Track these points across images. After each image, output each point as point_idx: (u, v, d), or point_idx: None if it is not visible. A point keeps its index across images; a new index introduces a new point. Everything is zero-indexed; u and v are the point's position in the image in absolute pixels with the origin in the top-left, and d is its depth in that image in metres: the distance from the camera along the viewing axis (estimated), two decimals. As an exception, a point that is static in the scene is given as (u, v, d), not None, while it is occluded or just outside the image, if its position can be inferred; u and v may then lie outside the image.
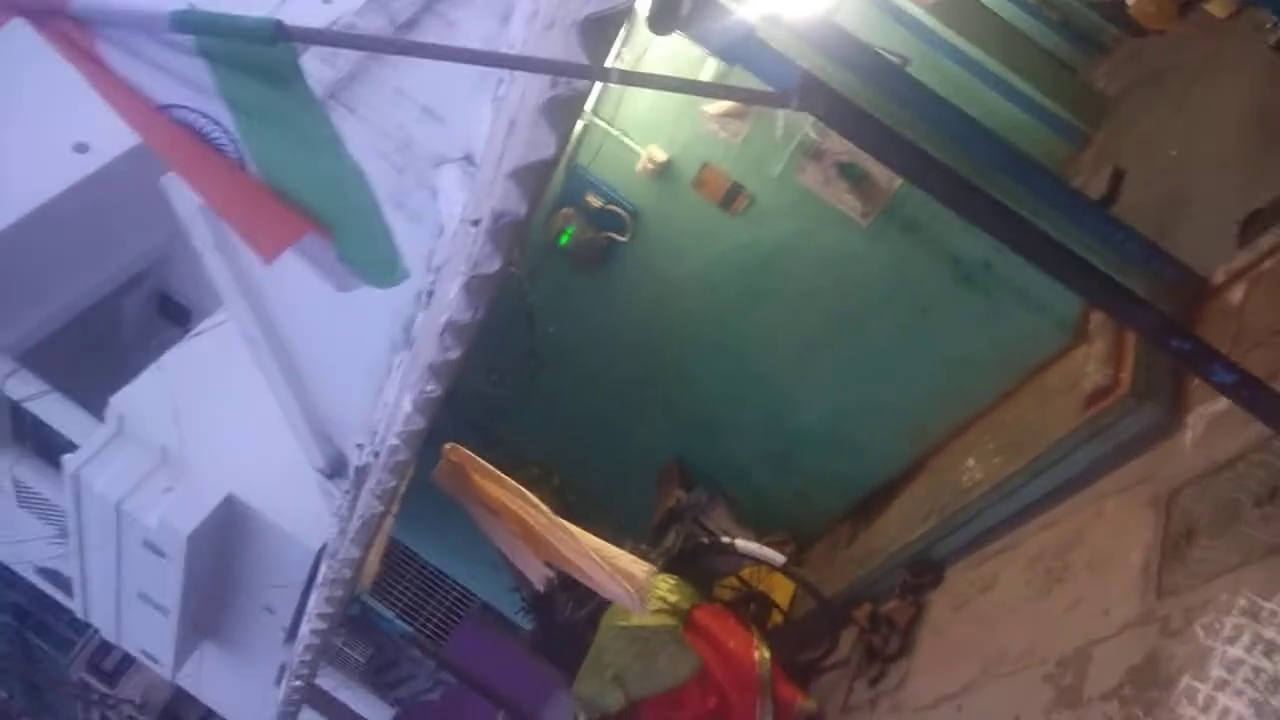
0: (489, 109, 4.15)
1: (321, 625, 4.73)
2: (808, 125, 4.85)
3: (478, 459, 4.62)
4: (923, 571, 4.87)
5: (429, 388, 2.87)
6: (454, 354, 2.76)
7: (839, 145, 4.86)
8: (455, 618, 9.40)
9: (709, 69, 4.71)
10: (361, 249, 2.15)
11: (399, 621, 9.03)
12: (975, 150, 4.32)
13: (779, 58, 3.58)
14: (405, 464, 3.38)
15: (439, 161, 5.30)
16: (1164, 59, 6.26)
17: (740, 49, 3.50)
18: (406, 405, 3.02)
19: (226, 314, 7.02)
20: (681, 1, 3.11)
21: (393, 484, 3.48)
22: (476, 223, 2.71)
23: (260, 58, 1.94)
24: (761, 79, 3.48)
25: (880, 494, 5.71)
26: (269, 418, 5.59)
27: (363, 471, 3.87)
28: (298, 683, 5.37)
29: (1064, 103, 6.15)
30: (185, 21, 1.94)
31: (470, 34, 4.77)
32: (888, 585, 5.07)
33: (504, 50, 3.19)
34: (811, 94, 2.49)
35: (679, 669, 4.72)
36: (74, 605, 10.38)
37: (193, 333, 8.87)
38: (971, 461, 4.89)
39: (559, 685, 5.35)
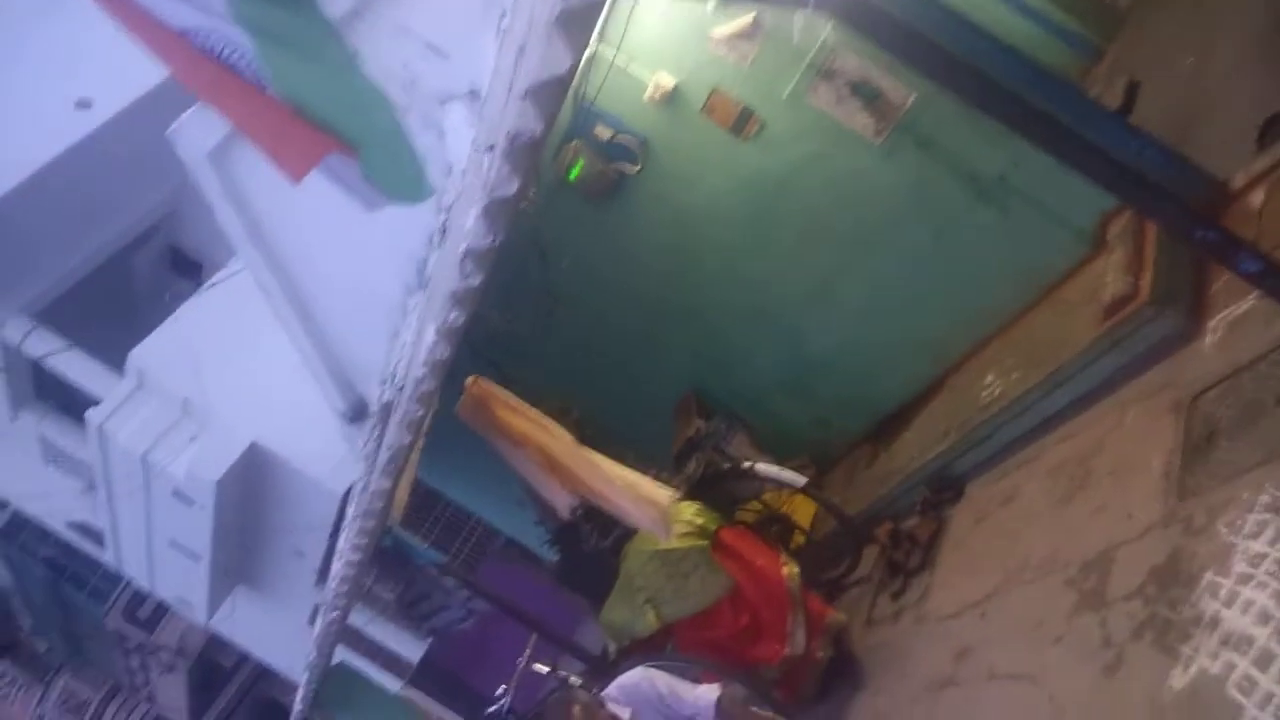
0: (494, 42, 4.10)
1: (355, 557, 4.81)
2: (819, 42, 4.78)
3: (499, 391, 4.67)
4: (943, 488, 4.93)
5: (452, 315, 2.88)
6: (475, 280, 2.76)
7: (851, 64, 4.80)
8: (480, 555, 9.57)
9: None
10: (387, 166, 2.16)
11: (431, 550, 9.20)
12: (990, 63, 4.26)
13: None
14: (431, 394, 3.41)
15: (445, 99, 5.24)
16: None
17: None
18: (430, 334, 3.04)
19: (240, 264, 7.04)
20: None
21: (420, 413, 3.51)
22: (491, 148, 2.70)
23: None
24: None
25: (899, 415, 5.74)
26: (288, 365, 5.63)
27: (388, 406, 3.91)
28: (334, 614, 5.48)
29: (1076, 15, 6.03)
30: None
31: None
32: (908, 503, 5.13)
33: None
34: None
35: (711, 589, 4.79)
36: (106, 557, 10.61)
37: (207, 284, 8.92)
38: (990, 378, 4.90)
39: (586, 614, 5.44)
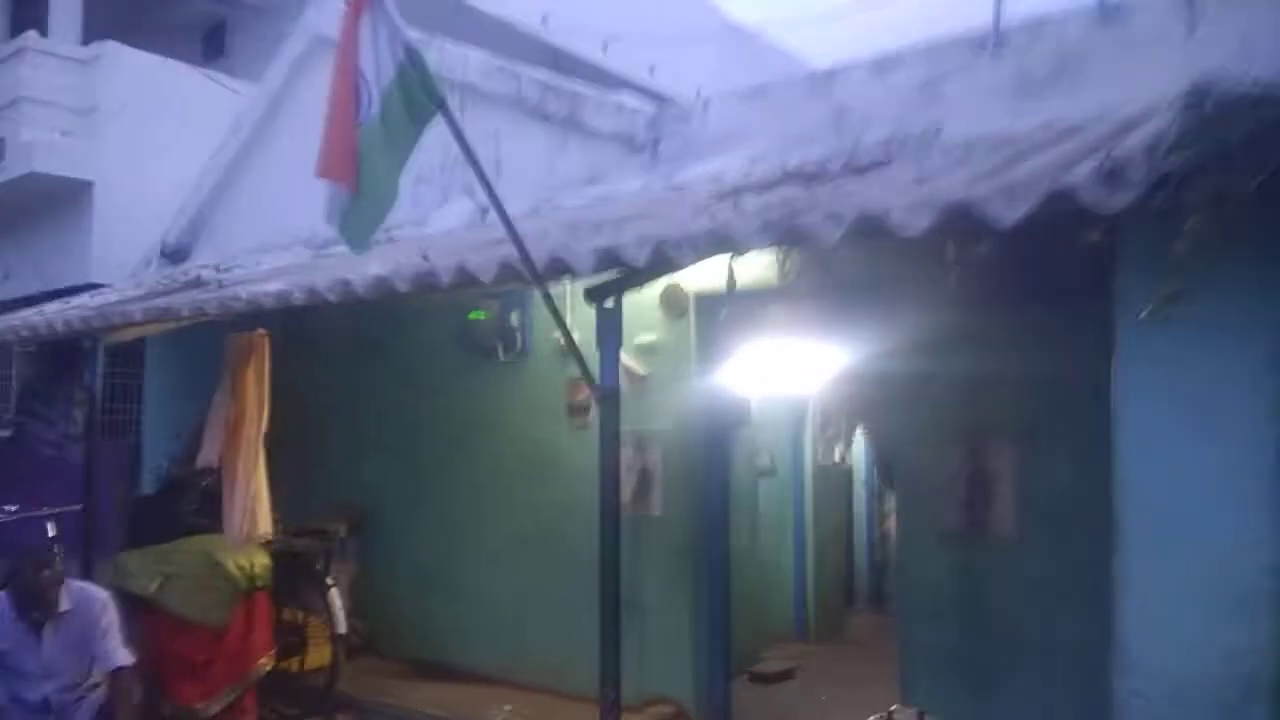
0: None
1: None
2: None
3: (266, 356, 5.35)
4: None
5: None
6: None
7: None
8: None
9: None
10: (360, 218, 3.11)
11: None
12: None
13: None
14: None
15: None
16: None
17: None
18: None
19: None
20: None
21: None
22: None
23: (420, 104, 3.01)
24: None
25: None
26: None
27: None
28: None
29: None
30: (413, 53, 3.00)
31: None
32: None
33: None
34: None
35: (208, 615, 5.24)
36: None
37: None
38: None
39: (113, 547, 5.71)
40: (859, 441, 9.06)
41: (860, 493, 9.46)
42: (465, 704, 5.80)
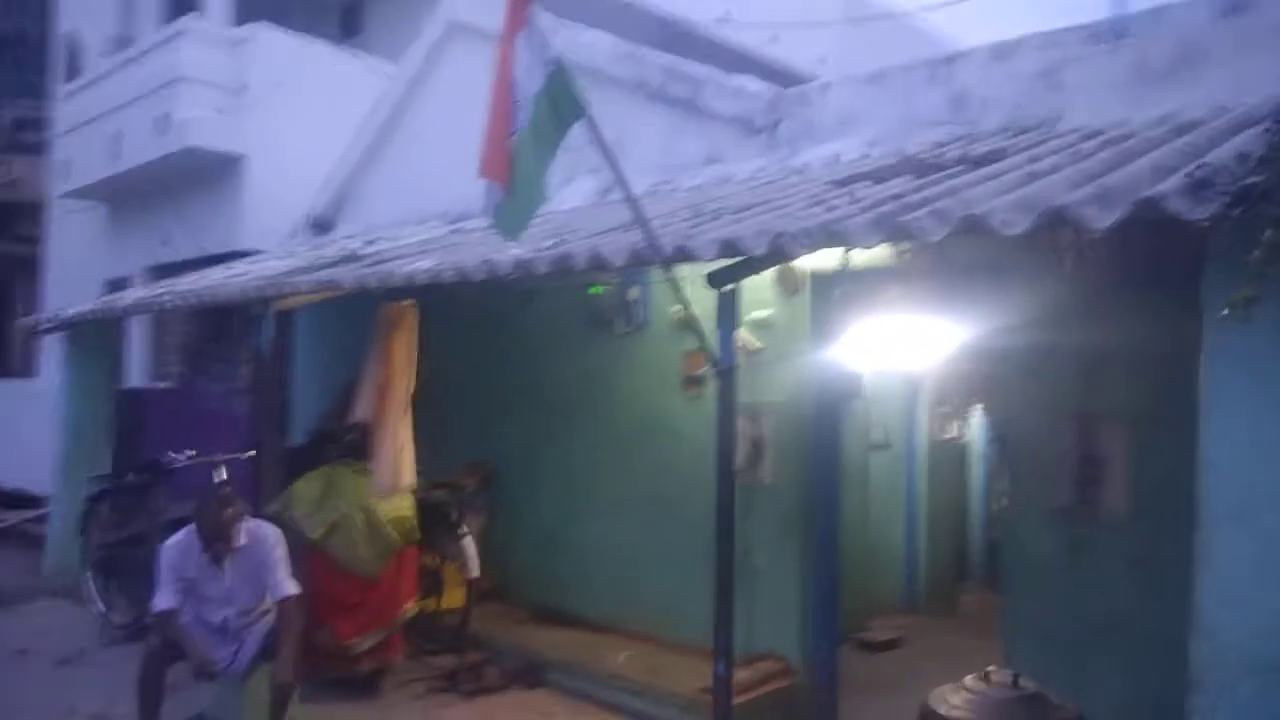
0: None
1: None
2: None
3: (415, 325, 5.83)
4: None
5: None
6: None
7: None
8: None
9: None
10: (512, 213, 3.48)
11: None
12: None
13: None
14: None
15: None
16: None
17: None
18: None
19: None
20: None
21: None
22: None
23: (566, 114, 3.36)
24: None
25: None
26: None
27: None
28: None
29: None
30: (561, 67, 3.35)
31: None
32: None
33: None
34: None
35: (364, 564, 5.77)
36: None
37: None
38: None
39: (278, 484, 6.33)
40: (975, 417, 9.10)
41: (976, 469, 9.49)
42: (585, 649, 6.25)
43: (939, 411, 8.65)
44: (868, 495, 7.80)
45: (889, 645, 7.31)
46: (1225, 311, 2.22)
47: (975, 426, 9.23)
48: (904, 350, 6.65)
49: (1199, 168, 2.24)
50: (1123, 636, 4.52)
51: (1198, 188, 2.17)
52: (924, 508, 8.56)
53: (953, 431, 8.80)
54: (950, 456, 8.89)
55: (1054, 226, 2.38)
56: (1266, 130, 2.29)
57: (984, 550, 9.44)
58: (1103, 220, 2.26)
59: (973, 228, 2.53)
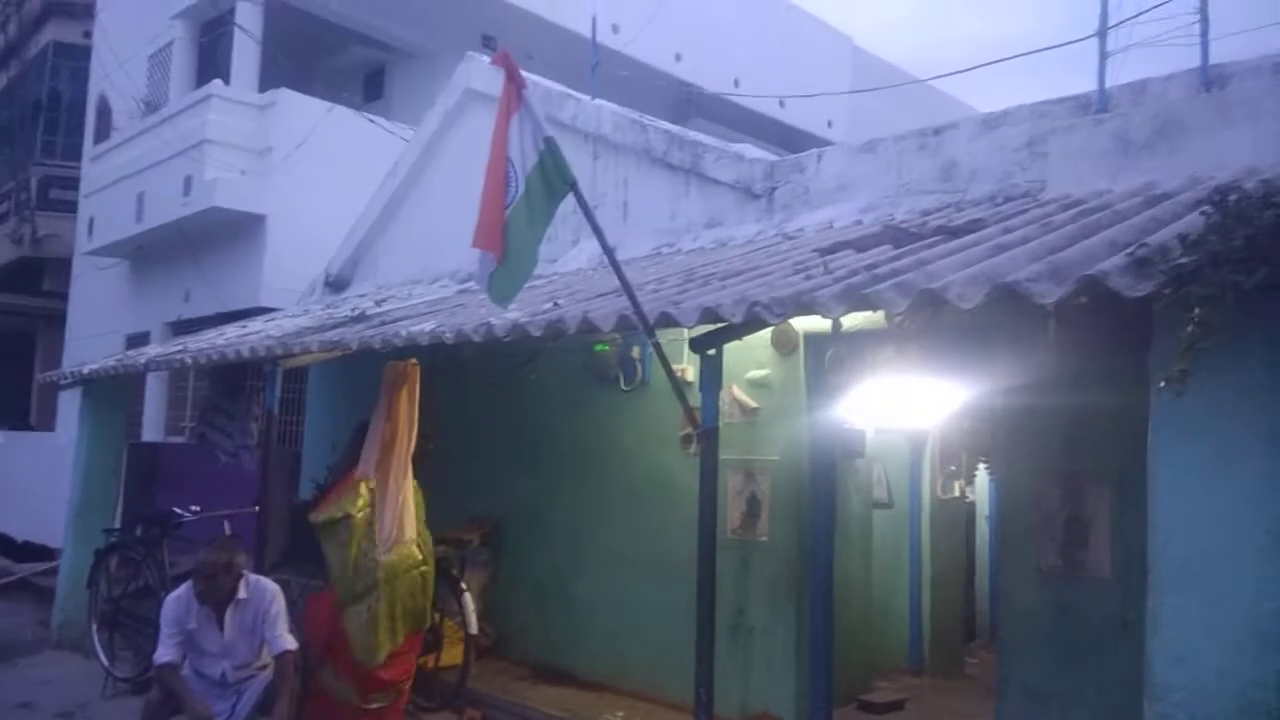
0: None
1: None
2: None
3: (417, 383, 5.98)
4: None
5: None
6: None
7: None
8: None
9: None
10: (505, 281, 3.66)
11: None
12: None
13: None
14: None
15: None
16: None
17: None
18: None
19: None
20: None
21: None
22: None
23: (557, 186, 3.55)
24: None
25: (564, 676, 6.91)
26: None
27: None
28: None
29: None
30: (551, 144, 3.55)
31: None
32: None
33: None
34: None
35: (366, 656, 5.70)
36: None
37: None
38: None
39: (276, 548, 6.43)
40: (982, 476, 9.10)
41: (983, 528, 9.44)
42: (582, 706, 6.27)
43: (944, 470, 8.66)
44: (871, 554, 7.80)
45: (893, 707, 7.24)
46: (1162, 384, 2.32)
47: (981, 486, 9.22)
48: (900, 410, 6.74)
49: (1140, 246, 2.36)
50: (1113, 698, 4.53)
51: (1139, 266, 2.29)
52: (928, 567, 8.53)
53: (957, 491, 8.80)
54: (955, 516, 8.88)
55: (1006, 301, 2.49)
56: (1202, 213, 2.40)
57: (992, 609, 9.36)
58: (1050, 295, 2.38)
59: (930, 301, 2.64)
